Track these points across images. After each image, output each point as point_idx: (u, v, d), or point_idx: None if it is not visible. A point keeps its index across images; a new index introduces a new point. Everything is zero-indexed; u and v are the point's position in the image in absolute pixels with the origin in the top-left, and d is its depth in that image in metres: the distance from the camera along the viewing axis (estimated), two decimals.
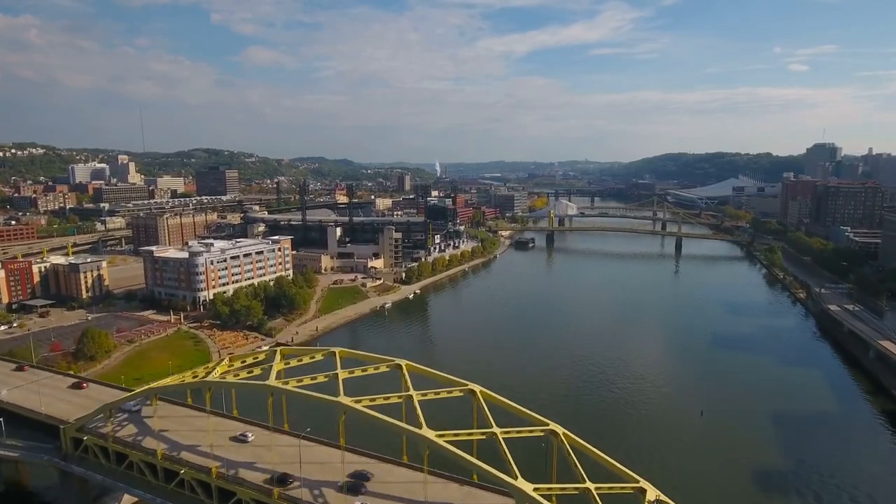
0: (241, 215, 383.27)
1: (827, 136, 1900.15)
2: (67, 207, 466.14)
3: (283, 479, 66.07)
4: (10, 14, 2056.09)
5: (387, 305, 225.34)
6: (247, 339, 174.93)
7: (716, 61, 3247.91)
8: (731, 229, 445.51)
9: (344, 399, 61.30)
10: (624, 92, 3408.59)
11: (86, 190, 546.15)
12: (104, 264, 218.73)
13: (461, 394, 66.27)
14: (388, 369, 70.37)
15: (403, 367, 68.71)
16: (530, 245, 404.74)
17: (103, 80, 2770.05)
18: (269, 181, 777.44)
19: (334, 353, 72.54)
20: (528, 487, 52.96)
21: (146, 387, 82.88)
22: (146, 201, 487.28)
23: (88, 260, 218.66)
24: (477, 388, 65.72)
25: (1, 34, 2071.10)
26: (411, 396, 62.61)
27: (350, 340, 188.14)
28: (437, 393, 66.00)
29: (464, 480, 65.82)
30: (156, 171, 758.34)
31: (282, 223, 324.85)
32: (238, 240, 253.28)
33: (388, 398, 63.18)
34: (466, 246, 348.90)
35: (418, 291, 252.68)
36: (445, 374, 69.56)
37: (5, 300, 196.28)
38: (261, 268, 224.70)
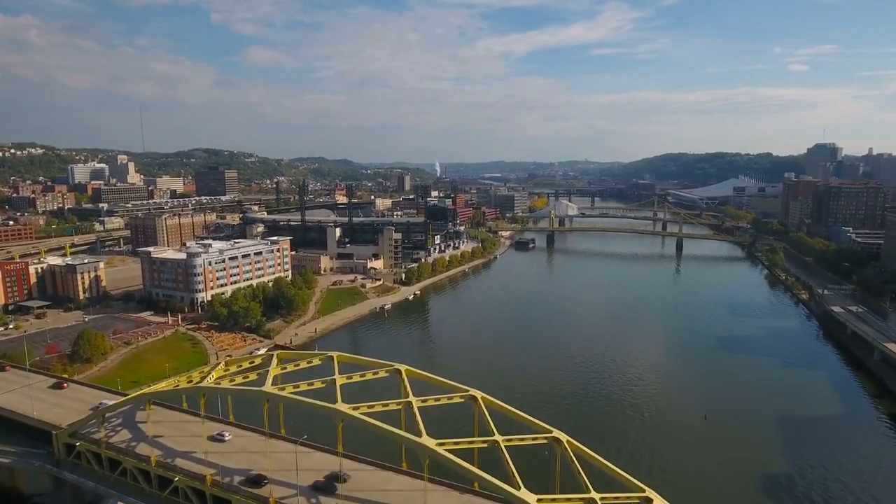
0: (240, 216, 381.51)
1: (827, 136, 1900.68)
2: (66, 208, 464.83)
3: (256, 481, 65.91)
4: (10, 14, 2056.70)
5: (386, 307, 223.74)
6: (245, 340, 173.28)
7: (716, 61, 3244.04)
8: (732, 230, 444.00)
9: (341, 406, 59.77)
10: (624, 92, 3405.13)
11: (85, 190, 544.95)
12: (101, 265, 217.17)
13: (462, 400, 64.79)
14: (387, 374, 68.84)
15: (403, 372, 67.19)
16: (531, 245, 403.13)
17: (103, 80, 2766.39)
18: (268, 181, 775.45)
19: (332, 357, 71.03)
20: (531, 498, 51.50)
21: (139, 392, 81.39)
22: (145, 201, 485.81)
23: (86, 261, 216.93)
24: (478, 394, 64.21)
25: (1, 34, 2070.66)
26: (411, 403, 61.12)
27: (349, 342, 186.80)
28: (438, 399, 64.40)
29: (464, 488, 64.36)
30: (155, 171, 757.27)
31: (281, 224, 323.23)
32: (236, 240, 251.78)
33: (387, 405, 61.80)
34: (466, 246, 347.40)
35: (418, 292, 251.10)
36: (446, 380, 68.09)
37: (1, 301, 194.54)
38: (259, 269, 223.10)
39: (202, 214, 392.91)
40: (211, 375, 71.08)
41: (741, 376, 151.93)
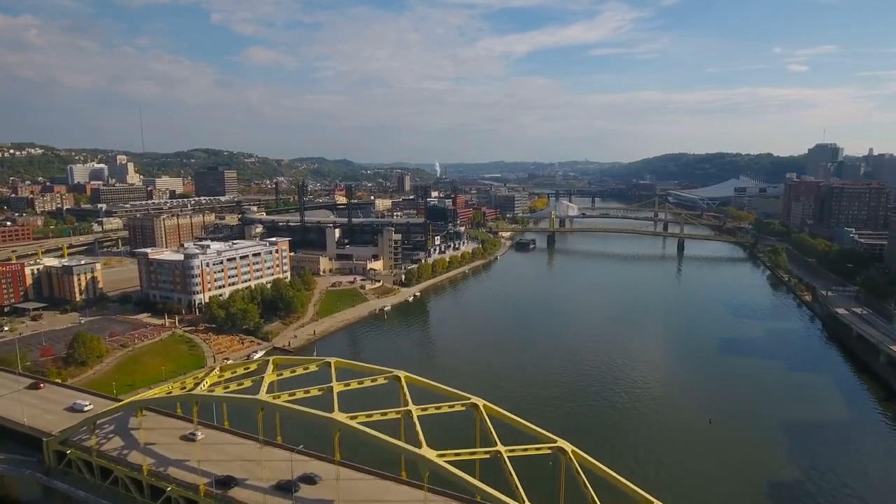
0: (239, 216, 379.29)
1: (827, 136, 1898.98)
2: (65, 208, 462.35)
3: (225, 483, 64.98)
4: (10, 14, 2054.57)
5: (386, 308, 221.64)
6: (242, 343, 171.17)
7: (716, 61, 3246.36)
8: (734, 230, 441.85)
9: (338, 415, 57.79)
10: (624, 92, 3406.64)
11: (84, 190, 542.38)
12: (98, 266, 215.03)
13: (463, 408, 62.79)
14: (385, 381, 66.83)
15: (402, 379, 65.20)
16: (531, 246, 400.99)
17: (103, 80, 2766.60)
18: (268, 181, 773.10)
19: (329, 363, 69.07)
20: None
21: (130, 399, 79.37)
22: (144, 202, 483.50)
23: (82, 262, 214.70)
24: (480, 401, 62.21)
25: (1, 34, 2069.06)
26: (410, 412, 59.15)
27: (348, 344, 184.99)
28: (438, 407, 62.47)
29: (466, 499, 62.25)
30: (155, 171, 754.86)
31: (280, 224, 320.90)
32: (235, 241, 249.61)
33: (386, 413, 59.76)
34: (467, 247, 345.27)
35: (418, 294, 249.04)
36: (446, 387, 66.02)
37: None
38: (258, 270, 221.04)
39: (201, 215, 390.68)
40: (205, 382, 69.18)
41: (745, 379, 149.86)
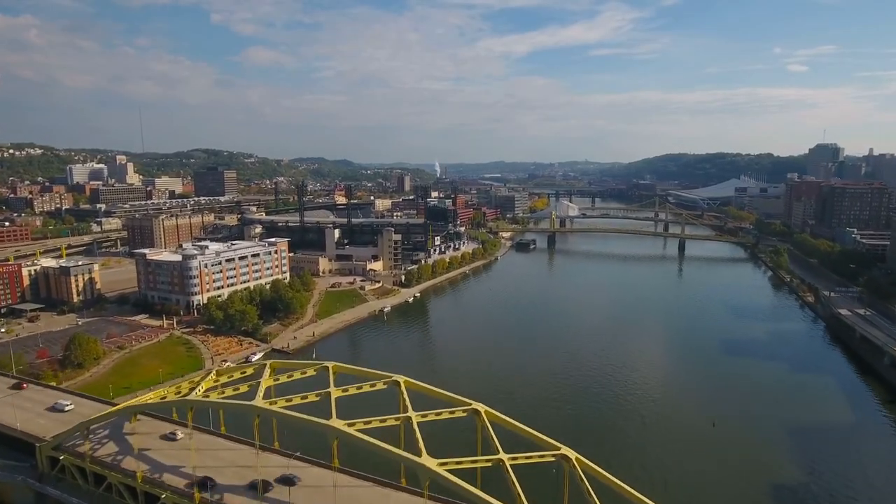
0: (238, 217, 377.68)
1: (827, 136, 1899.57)
2: (64, 208, 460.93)
3: (203, 484, 64.18)
4: (10, 14, 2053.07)
5: (386, 309, 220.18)
6: (241, 344, 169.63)
7: (716, 61, 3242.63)
8: (735, 231, 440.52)
9: (336, 422, 56.27)
10: (624, 92, 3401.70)
11: (83, 190, 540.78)
12: (96, 267, 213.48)
13: (464, 414, 61.28)
14: (384, 386, 65.33)
15: (402, 383, 63.72)
16: (531, 246, 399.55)
17: (103, 80, 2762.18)
18: (268, 182, 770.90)
19: (327, 368, 67.64)
20: None
21: (124, 404, 77.93)
22: (143, 202, 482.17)
23: (80, 262, 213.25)
24: (482, 407, 60.73)
25: (1, 34, 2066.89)
26: (410, 418, 57.65)
27: (348, 346, 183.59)
28: (439, 414, 60.89)
29: None
30: (154, 171, 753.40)
31: (279, 224, 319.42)
32: (234, 242, 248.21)
33: (385, 420, 58.25)
34: (467, 248, 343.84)
35: (418, 294, 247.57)
36: (447, 392, 64.57)
37: None
38: (257, 271, 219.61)
39: (200, 215, 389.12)
40: (200, 387, 67.70)
41: (747, 380, 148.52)
